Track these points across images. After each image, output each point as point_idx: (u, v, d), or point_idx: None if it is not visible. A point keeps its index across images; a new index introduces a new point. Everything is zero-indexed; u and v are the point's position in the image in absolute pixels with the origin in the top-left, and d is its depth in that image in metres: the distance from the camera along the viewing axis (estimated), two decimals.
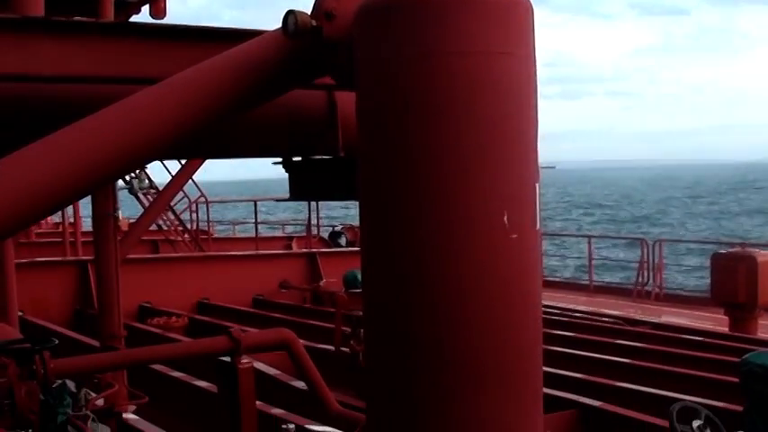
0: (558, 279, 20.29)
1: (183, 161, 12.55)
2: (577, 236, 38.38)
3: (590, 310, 14.29)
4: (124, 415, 6.64)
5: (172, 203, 17.30)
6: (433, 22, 2.21)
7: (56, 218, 20.46)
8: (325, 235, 20.40)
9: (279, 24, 2.70)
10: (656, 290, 16.90)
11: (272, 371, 8.03)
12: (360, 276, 2.52)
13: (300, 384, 6.82)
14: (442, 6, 2.21)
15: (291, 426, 5.02)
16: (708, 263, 14.26)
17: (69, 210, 16.90)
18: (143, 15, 7.15)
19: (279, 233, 24.29)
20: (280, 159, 4.17)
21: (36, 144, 2.54)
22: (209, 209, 21.10)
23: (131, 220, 13.22)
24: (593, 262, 19.07)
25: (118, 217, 7.41)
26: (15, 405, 3.79)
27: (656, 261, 17.31)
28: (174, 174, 13.16)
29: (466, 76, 2.22)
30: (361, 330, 7.28)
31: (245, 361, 4.61)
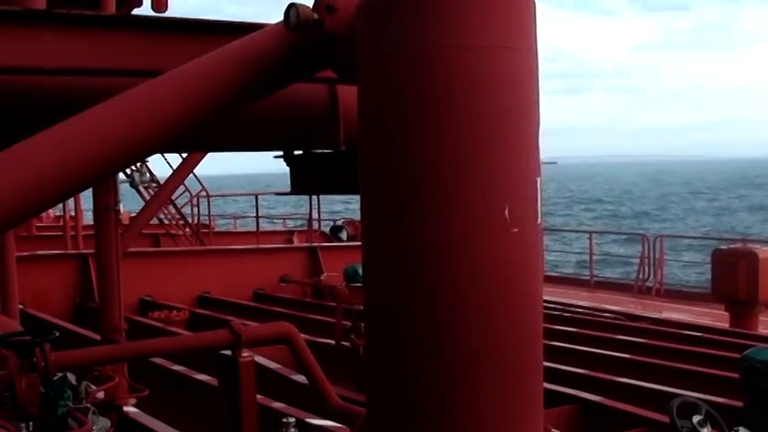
0: (558, 274, 20.29)
1: (185, 155, 12.54)
2: (578, 231, 38.38)
3: (591, 306, 14.30)
4: (125, 408, 6.64)
5: (173, 197, 17.29)
6: (433, 16, 2.21)
7: (57, 211, 20.45)
8: (326, 229, 20.40)
9: (280, 18, 2.69)
10: (657, 286, 16.91)
11: (272, 365, 8.04)
12: (360, 271, 2.52)
13: (301, 378, 6.82)
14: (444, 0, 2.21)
15: (292, 419, 5.02)
16: (707, 259, 14.25)
17: (70, 203, 16.90)
18: (145, 9, 7.14)
19: (280, 227, 24.27)
20: (281, 153, 4.17)
21: (37, 136, 2.53)
22: (211, 203, 21.10)
23: (132, 214, 13.21)
24: (594, 257, 19.07)
25: (119, 210, 7.40)
26: (16, 397, 3.79)
27: (657, 257, 17.32)
28: (175, 167, 13.16)
29: (466, 70, 2.21)
30: (362, 324, 7.29)
31: (245, 355, 4.61)
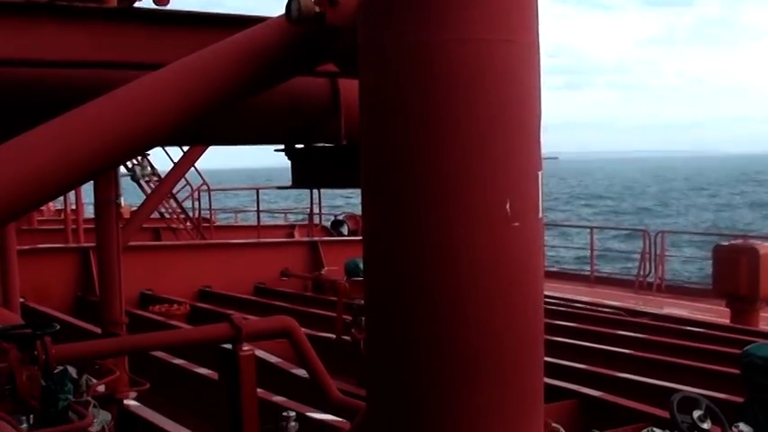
0: (559, 270, 20.30)
1: (186, 148, 12.54)
2: (579, 226, 38.37)
3: (591, 301, 14.30)
4: (125, 401, 6.65)
5: (174, 191, 17.30)
6: (435, 9, 2.20)
7: (58, 204, 20.46)
8: (327, 223, 20.40)
9: (282, 11, 2.69)
10: (658, 281, 16.91)
11: (273, 358, 8.05)
12: (361, 265, 2.51)
13: (301, 372, 6.83)
14: None
15: (292, 413, 5.02)
16: (706, 254, 14.26)
17: (71, 196, 16.91)
18: (146, 1, 7.13)
19: (281, 221, 24.29)
20: (282, 147, 4.17)
21: (38, 129, 2.53)
22: (212, 197, 21.11)
23: (133, 208, 13.23)
24: (595, 253, 19.07)
25: (120, 204, 7.40)
26: (16, 390, 3.79)
27: (658, 252, 17.32)
28: (176, 161, 13.16)
29: (468, 64, 2.20)
30: (363, 319, 7.29)
31: (246, 348, 4.61)
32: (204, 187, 20.29)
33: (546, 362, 2.45)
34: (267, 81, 2.87)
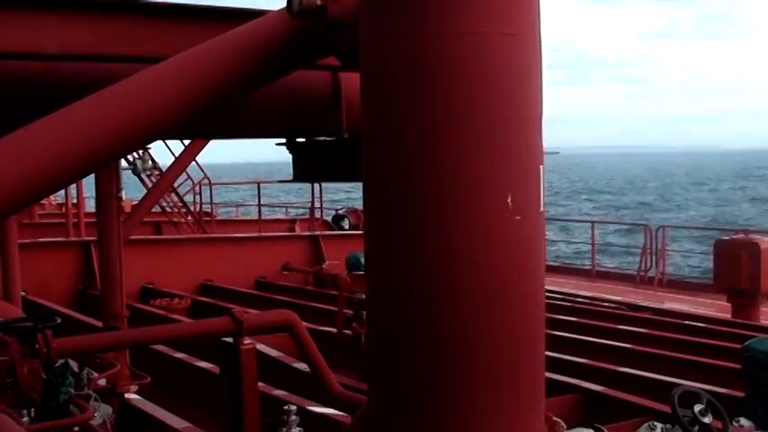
0: (560, 264, 20.31)
1: (187, 142, 12.54)
2: (580, 221, 38.39)
3: (593, 296, 14.31)
4: (126, 395, 6.67)
5: (175, 185, 17.30)
6: (436, 2, 2.19)
7: (59, 198, 20.49)
8: (329, 218, 20.42)
9: (283, 4, 2.68)
10: (659, 276, 16.92)
11: (274, 352, 8.06)
12: (362, 259, 2.51)
13: (302, 366, 6.83)
14: None
15: (293, 407, 5.02)
16: (707, 249, 14.27)
17: (72, 190, 16.92)
18: None
19: (282, 216, 24.30)
20: (283, 141, 4.16)
21: (38, 122, 2.52)
22: (213, 191, 21.12)
23: (134, 202, 13.25)
24: (596, 247, 19.08)
25: (121, 198, 7.41)
26: (18, 383, 3.80)
27: (659, 247, 17.32)
28: (177, 155, 13.16)
29: (469, 57, 2.19)
30: (364, 313, 7.29)
31: (247, 342, 4.61)
32: (205, 181, 20.30)
33: (547, 356, 2.44)
34: (268, 74, 2.86)
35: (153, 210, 14.60)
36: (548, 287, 10.52)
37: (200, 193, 20.38)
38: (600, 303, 13.14)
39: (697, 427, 4.05)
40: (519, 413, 2.33)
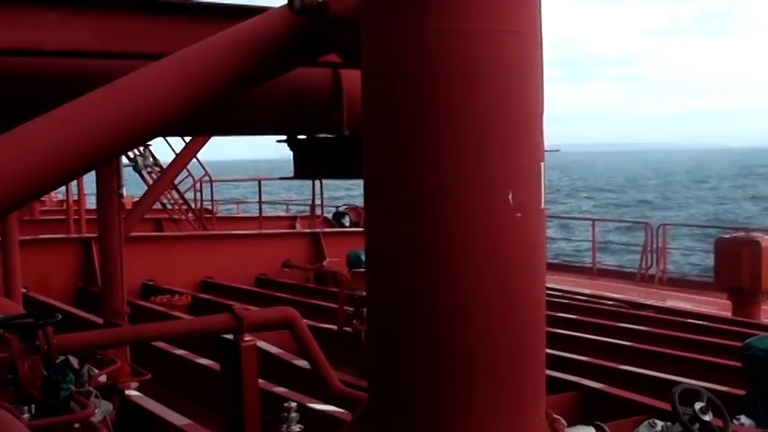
0: (560, 262, 20.31)
1: (187, 139, 12.54)
2: (581, 219, 38.38)
3: (593, 294, 14.31)
4: (126, 391, 6.67)
5: (176, 182, 17.31)
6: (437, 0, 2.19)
7: (60, 195, 20.49)
8: (329, 215, 20.42)
9: (284, 1, 2.68)
10: (660, 274, 16.91)
11: (274, 349, 8.06)
12: (363, 256, 2.51)
13: (303, 363, 6.84)
14: None
15: (293, 404, 5.02)
16: (706, 247, 14.27)
17: (73, 187, 16.92)
18: None
19: (282, 213, 24.30)
20: (284, 137, 4.16)
21: (39, 119, 2.52)
22: (214, 188, 21.11)
23: (135, 198, 13.25)
24: (596, 245, 19.08)
25: (122, 195, 7.41)
26: (18, 380, 3.80)
27: (660, 245, 17.32)
28: (178, 152, 13.16)
29: (470, 54, 2.19)
30: (364, 310, 7.29)
31: (247, 339, 4.61)
32: (206, 178, 20.30)
33: (547, 354, 2.45)
34: (269, 71, 2.86)
35: (154, 207, 14.58)
36: (548, 285, 10.51)
37: (201, 190, 20.38)
38: (600, 301, 13.14)
39: (697, 425, 4.04)
40: (519, 411, 2.33)
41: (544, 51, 2.34)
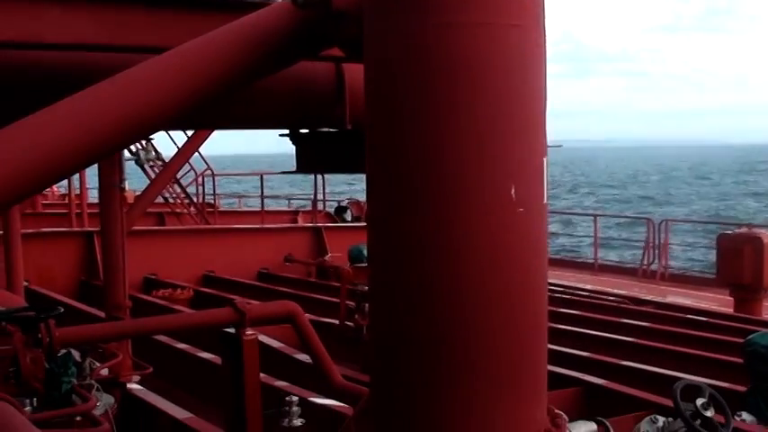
0: (562, 257, 20.30)
1: (190, 133, 12.54)
2: (583, 214, 38.38)
3: (595, 289, 14.31)
4: (128, 385, 6.67)
5: (178, 176, 17.31)
6: None
7: (62, 189, 20.50)
8: (331, 209, 20.41)
9: None
10: (662, 270, 16.91)
11: (276, 343, 8.06)
12: (365, 251, 2.51)
13: (304, 357, 6.83)
14: None
15: (295, 398, 5.03)
16: (710, 243, 14.26)
17: (75, 181, 16.92)
18: None
19: (284, 207, 24.30)
20: (287, 131, 4.16)
21: (41, 112, 2.52)
22: (216, 182, 21.11)
23: (137, 192, 13.23)
24: (598, 241, 19.07)
25: (124, 188, 7.40)
26: (20, 373, 3.80)
27: (662, 241, 17.31)
28: (180, 146, 13.16)
29: (473, 48, 2.19)
30: (366, 304, 7.29)
31: (249, 333, 4.61)
32: (208, 172, 20.30)
33: (549, 349, 2.44)
34: (272, 65, 2.86)
35: (156, 200, 14.59)
36: (550, 280, 10.52)
37: (203, 184, 20.38)
38: (602, 297, 13.14)
39: (699, 421, 4.04)
40: (521, 406, 2.33)
41: (547, 46, 2.33)
